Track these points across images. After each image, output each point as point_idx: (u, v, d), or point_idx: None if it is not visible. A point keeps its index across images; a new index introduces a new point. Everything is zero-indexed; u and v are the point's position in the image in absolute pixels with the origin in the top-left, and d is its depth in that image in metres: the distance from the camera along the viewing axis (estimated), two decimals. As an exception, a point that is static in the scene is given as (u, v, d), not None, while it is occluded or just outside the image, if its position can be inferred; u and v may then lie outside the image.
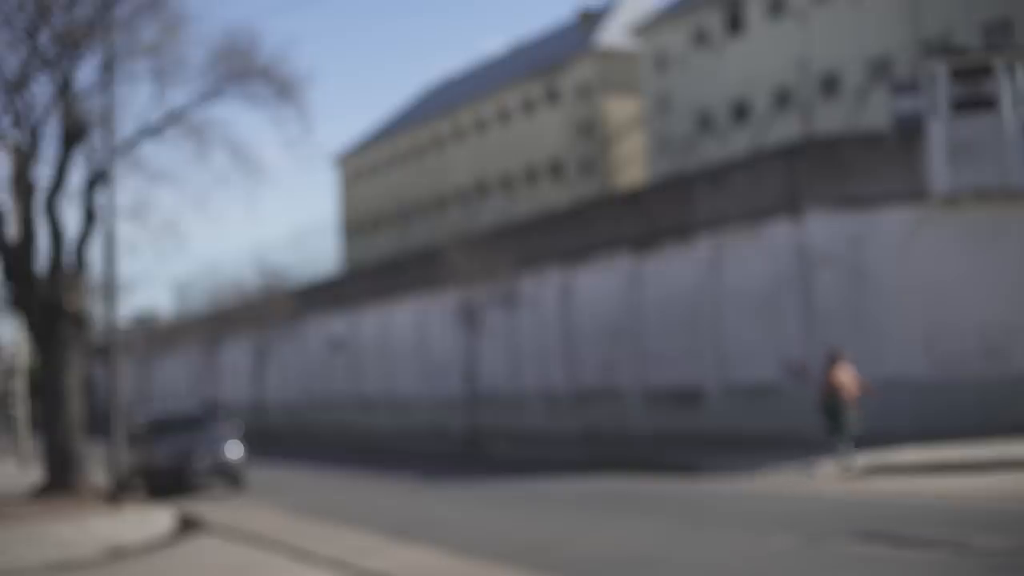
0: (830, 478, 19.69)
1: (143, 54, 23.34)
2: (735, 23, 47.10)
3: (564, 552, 13.28)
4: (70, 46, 22.42)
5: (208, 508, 20.93)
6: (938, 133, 24.99)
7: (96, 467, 24.56)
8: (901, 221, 25.45)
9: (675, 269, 29.92)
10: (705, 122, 48.18)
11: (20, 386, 38.12)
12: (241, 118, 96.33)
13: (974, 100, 25.09)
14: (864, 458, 20.43)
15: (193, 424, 26.74)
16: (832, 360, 21.00)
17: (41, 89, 22.98)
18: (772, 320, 26.85)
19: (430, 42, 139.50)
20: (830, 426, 20.72)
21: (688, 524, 14.99)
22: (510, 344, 36.82)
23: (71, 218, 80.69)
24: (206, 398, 53.80)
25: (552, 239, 35.66)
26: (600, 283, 32.91)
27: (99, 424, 29.33)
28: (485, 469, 26.31)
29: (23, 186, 23.02)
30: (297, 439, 46.57)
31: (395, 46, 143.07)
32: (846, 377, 20.87)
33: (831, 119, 39.09)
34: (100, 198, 23.17)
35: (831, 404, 20.73)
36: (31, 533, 17.52)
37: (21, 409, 37.52)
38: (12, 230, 23.06)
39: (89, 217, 23.43)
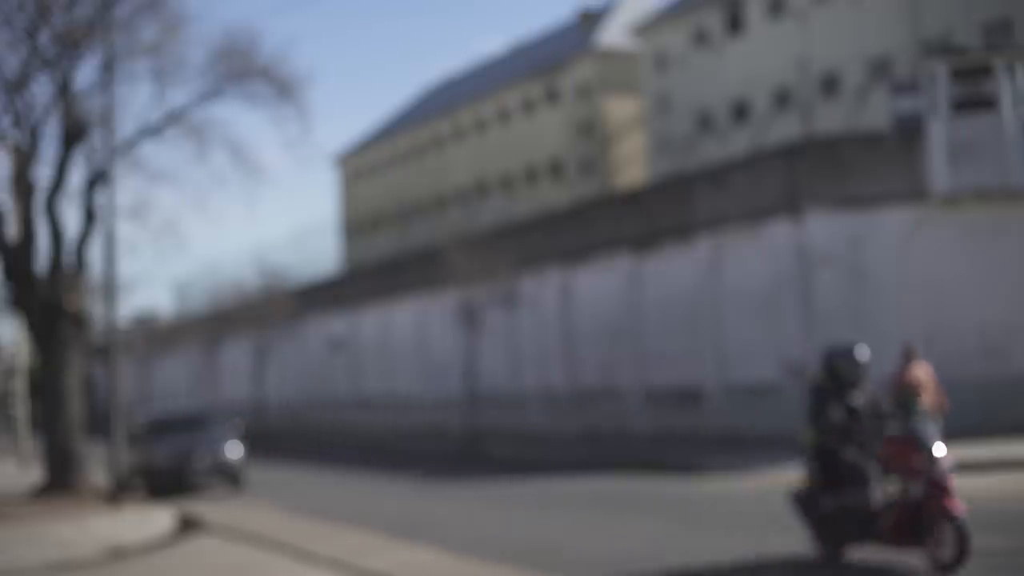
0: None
1: (143, 54, 23.39)
2: (735, 23, 47.09)
3: (564, 552, 13.28)
4: (70, 46, 22.44)
5: (208, 508, 20.92)
6: (938, 133, 24.99)
7: (96, 467, 24.56)
8: (901, 221, 25.45)
9: (675, 269, 29.92)
10: (705, 122, 48.17)
11: (20, 386, 38.12)
12: (241, 118, 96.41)
13: (974, 100, 25.08)
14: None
15: (193, 424, 26.76)
16: (907, 358, 19.08)
17: (41, 89, 23.04)
18: (772, 320, 26.85)
19: (430, 42, 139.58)
20: None
21: (688, 524, 14.99)
22: (510, 344, 36.81)
23: (71, 218, 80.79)
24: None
25: (552, 239, 35.65)
26: (600, 283, 32.91)
27: (99, 424, 29.33)
28: (485, 469, 26.31)
29: (23, 186, 23.04)
30: (297, 439, 46.54)
31: (395, 46, 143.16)
32: (924, 376, 19.06)
33: (831, 119, 39.07)
34: (100, 198, 23.21)
35: (905, 404, 19.40)
36: (31, 533, 17.52)
37: (21, 409, 37.51)
38: (12, 230, 23.07)
39: (89, 217, 23.44)
